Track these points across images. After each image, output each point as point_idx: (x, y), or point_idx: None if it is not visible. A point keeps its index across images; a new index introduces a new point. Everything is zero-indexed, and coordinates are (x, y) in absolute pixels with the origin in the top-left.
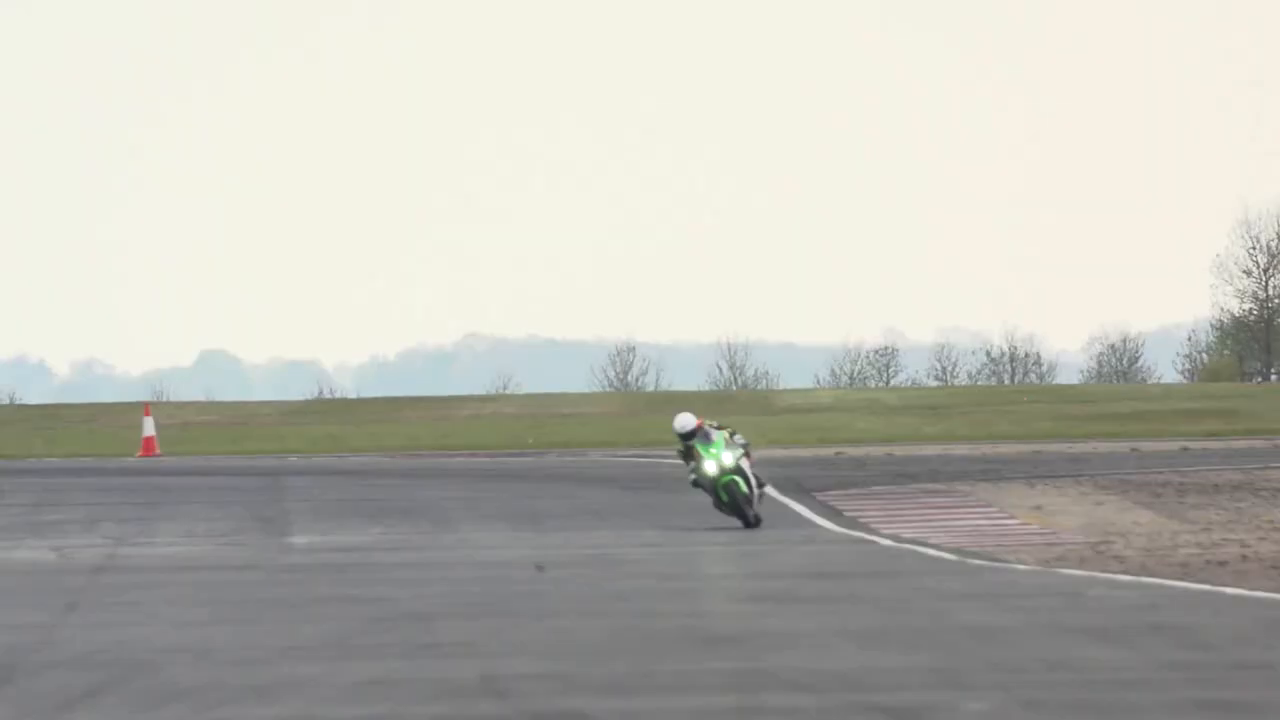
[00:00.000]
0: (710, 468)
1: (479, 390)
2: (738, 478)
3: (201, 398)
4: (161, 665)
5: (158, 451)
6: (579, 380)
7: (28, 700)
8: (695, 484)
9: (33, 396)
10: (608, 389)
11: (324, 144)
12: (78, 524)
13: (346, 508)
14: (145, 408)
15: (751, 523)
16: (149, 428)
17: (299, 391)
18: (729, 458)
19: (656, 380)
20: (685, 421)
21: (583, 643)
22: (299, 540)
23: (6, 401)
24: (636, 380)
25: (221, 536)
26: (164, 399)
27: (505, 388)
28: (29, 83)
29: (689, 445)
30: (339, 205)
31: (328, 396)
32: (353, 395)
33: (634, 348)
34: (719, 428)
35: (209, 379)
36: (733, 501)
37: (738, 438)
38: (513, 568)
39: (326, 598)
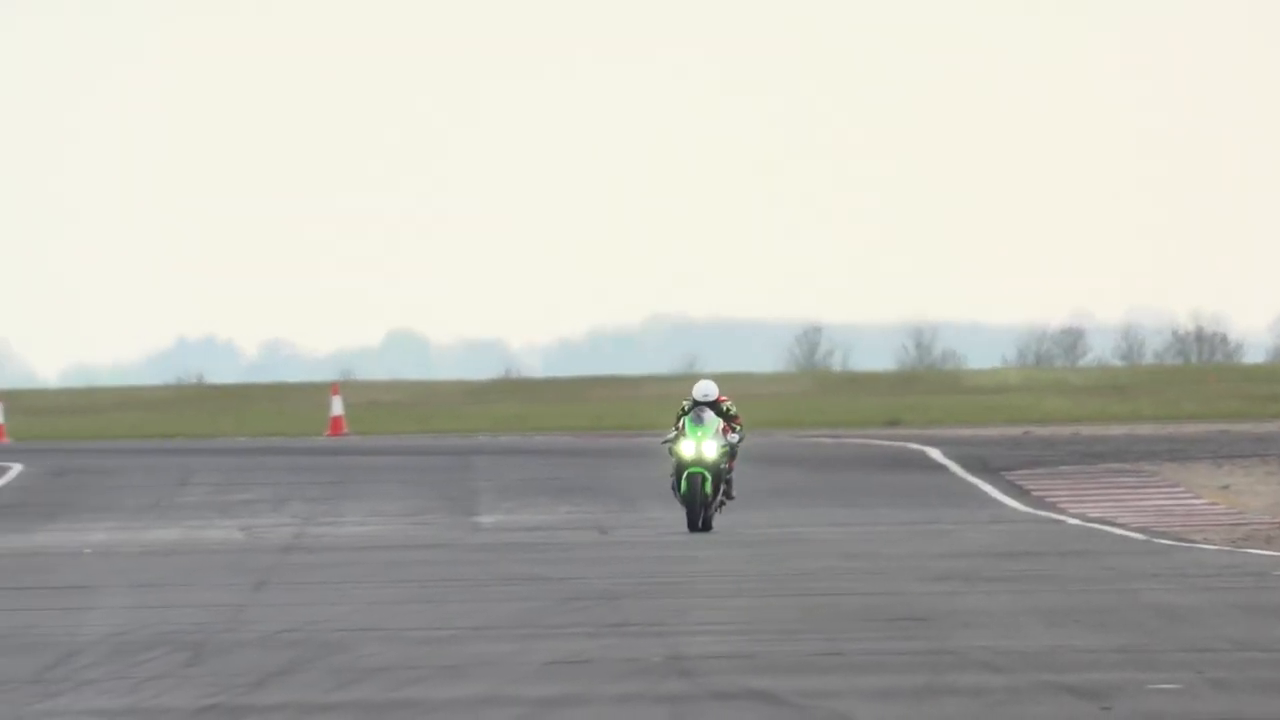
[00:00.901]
0: (686, 450)
1: (665, 370)
2: (708, 474)
3: (388, 377)
4: (351, 644)
5: (345, 431)
6: (765, 360)
7: (218, 679)
8: (669, 452)
9: (221, 377)
10: (794, 369)
11: (505, 122)
12: (266, 503)
13: (533, 487)
14: (333, 387)
15: (699, 527)
16: (337, 407)
17: (485, 371)
18: (710, 449)
19: (843, 360)
20: (709, 389)
21: (770, 622)
22: (486, 519)
23: (195, 382)
24: (823, 360)
25: (409, 516)
26: (351, 379)
27: (691, 368)
28: (217, 71)
29: (685, 414)
30: (524, 183)
31: (514, 376)
32: (539, 375)
33: (820, 328)
34: (729, 414)
35: (396, 359)
36: (690, 496)
37: (732, 437)
38: (701, 546)
39: (514, 577)
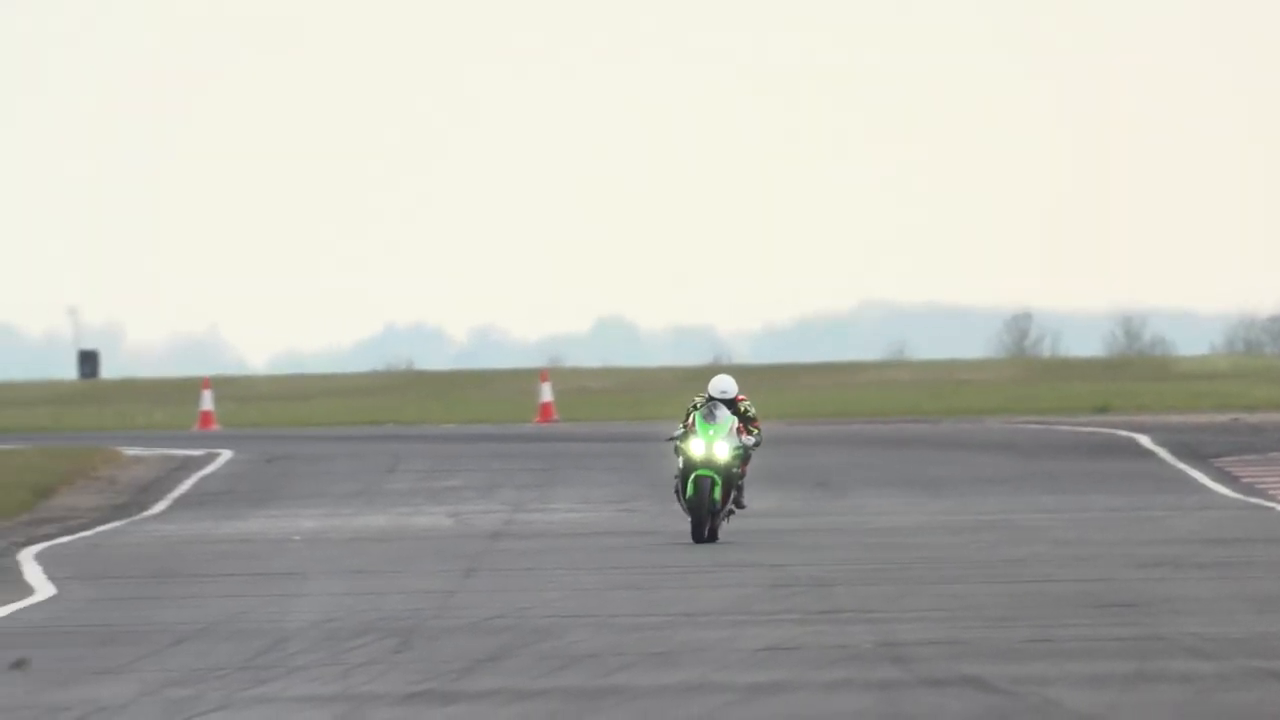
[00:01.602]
0: (696, 449)
1: (875, 356)
2: (717, 478)
3: (598, 364)
4: (559, 630)
5: (555, 417)
6: (974, 346)
7: (428, 665)
8: (675, 450)
9: (430, 363)
10: (1003, 355)
11: (729, 110)
12: (475, 490)
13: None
14: (542, 374)
15: (704, 536)
16: (546, 394)
17: (694, 357)
18: (723, 450)
19: (1052, 346)
20: (726, 386)
21: (980, 608)
22: None
23: (404, 368)
24: (1032, 346)
25: (618, 502)
26: (560, 365)
27: (900, 354)
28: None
29: (696, 410)
30: (733, 168)
31: (723, 362)
32: (748, 361)
33: (1030, 314)
34: (747, 415)
35: (605, 345)
36: (696, 500)
37: (748, 439)
38: (911, 534)
39: (724, 564)
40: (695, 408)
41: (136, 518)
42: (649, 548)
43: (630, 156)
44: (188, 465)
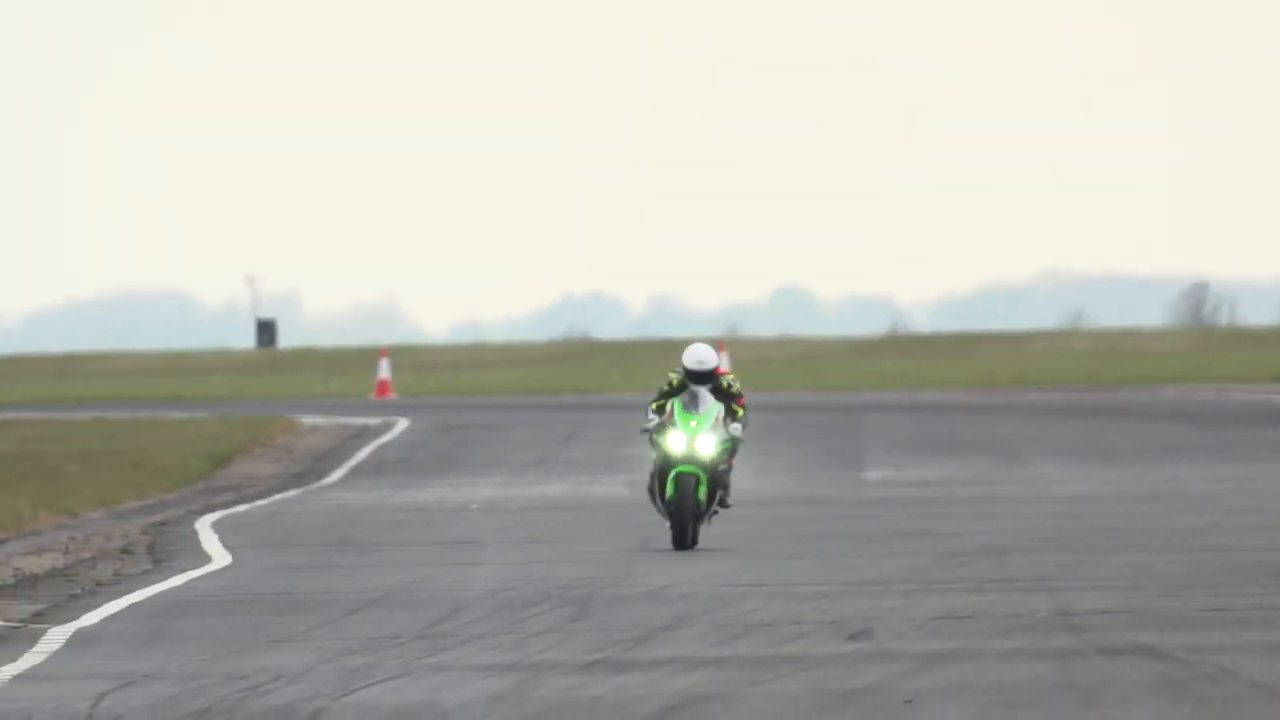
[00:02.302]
0: (676, 444)
1: (1052, 325)
2: (702, 475)
3: (776, 333)
4: (735, 599)
5: None
6: (1152, 315)
7: (604, 634)
8: (650, 442)
9: (608, 332)
10: (1180, 324)
11: (908, 77)
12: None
13: (921, 442)
14: (720, 343)
15: (687, 543)
16: (724, 363)
17: (872, 327)
18: (707, 445)
19: (1230, 315)
20: (704, 356)
21: (1156, 577)
22: (873, 475)
23: (582, 337)
24: (1209, 315)
25: (796, 471)
26: (738, 334)
27: (1077, 322)
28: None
29: (674, 393)
30: (910, 135)
31: (901, 332)
32: (926, 330)
33: (1207, 283)
34: (729, 390)
35: (783, 314)
36: (678, 503)
37: (735, 428)
38: (1087, 502)
39: (901, 532)
40: (670, 387)
41: (313, 486)
42: (824, 516)
43: (811, 126)
44: (364, 434)
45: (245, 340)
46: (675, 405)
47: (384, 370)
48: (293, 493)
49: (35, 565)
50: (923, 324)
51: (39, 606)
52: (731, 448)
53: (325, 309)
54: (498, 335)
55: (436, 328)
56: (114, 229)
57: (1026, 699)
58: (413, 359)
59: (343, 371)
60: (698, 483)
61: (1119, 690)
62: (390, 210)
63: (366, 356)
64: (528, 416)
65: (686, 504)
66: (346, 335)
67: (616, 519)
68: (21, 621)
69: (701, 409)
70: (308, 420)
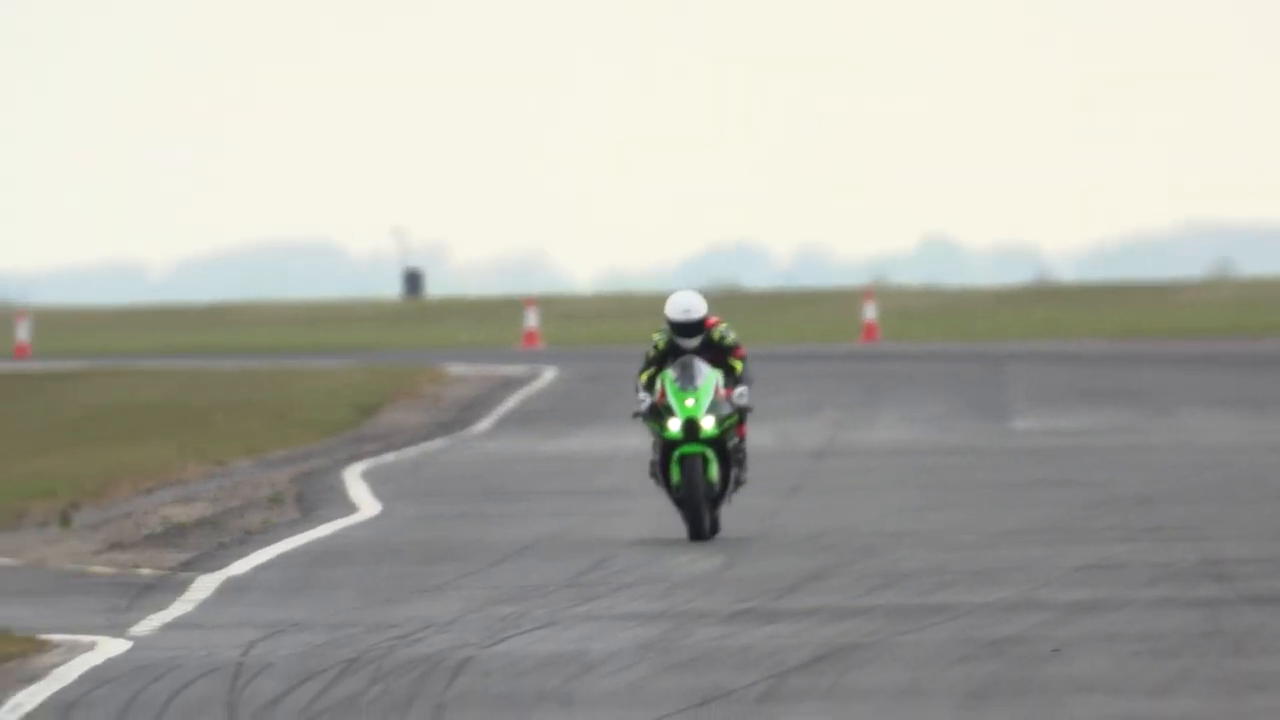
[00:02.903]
0: (675, 425)
1: (1199, 275)
2: (710, 453)
3: (921, 283)
4: (884, 549)
5: (879, 337)
6: None
7: (751, 584)
8: (644, 420)
9: (754, 282)
10: None
11: (1052, 24)
12: (799, 409)
13: (1066, 392)
14: (866, 293)
15: (705, 533)
16: (870, 313)
17: (1018, 277)
18: (710, 421)
19: None
20: (690, 305)
21: None
22: (1019, 424)
23: (729, 287)
24: None
25: (941, 421)
26: (884, 284)
27: (1224, 273)
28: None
29: (662, 360)
30: (1055, 84)
31: (1046, 282)
32: (1071, 280)
33: None
34: (724, 344)
35: (929, 264)
36: (688, 487)
37: (739, 393)
38: (1235, 452)
39: (1046, 481)
40: (657, 351)
41: (461, 435)
42: (970, 466)
43: (956, 74)
44: (511, 383)
45: (392, 290)
46: (666, 381)
47: (531, 319)
48: (440, 442)
49: (184, 514)
50: (1067, 274)
51: (188, 555)
52: (737, 417)
53: (472, 259)
54: (644, 285)
55: (582, 277)
56: (263, 179)
57: (1173, 648)
58: (559, 309)
59: (489, 321)
60: (706, 462)
61: (1265, 639)
62: (537, 160)
63: (513, 306)
64: None
65: (697, 488)
66: (493, 285)
67: (762, 469)
68: (171, 570)
69: (697, 381)
70: (455, 369)
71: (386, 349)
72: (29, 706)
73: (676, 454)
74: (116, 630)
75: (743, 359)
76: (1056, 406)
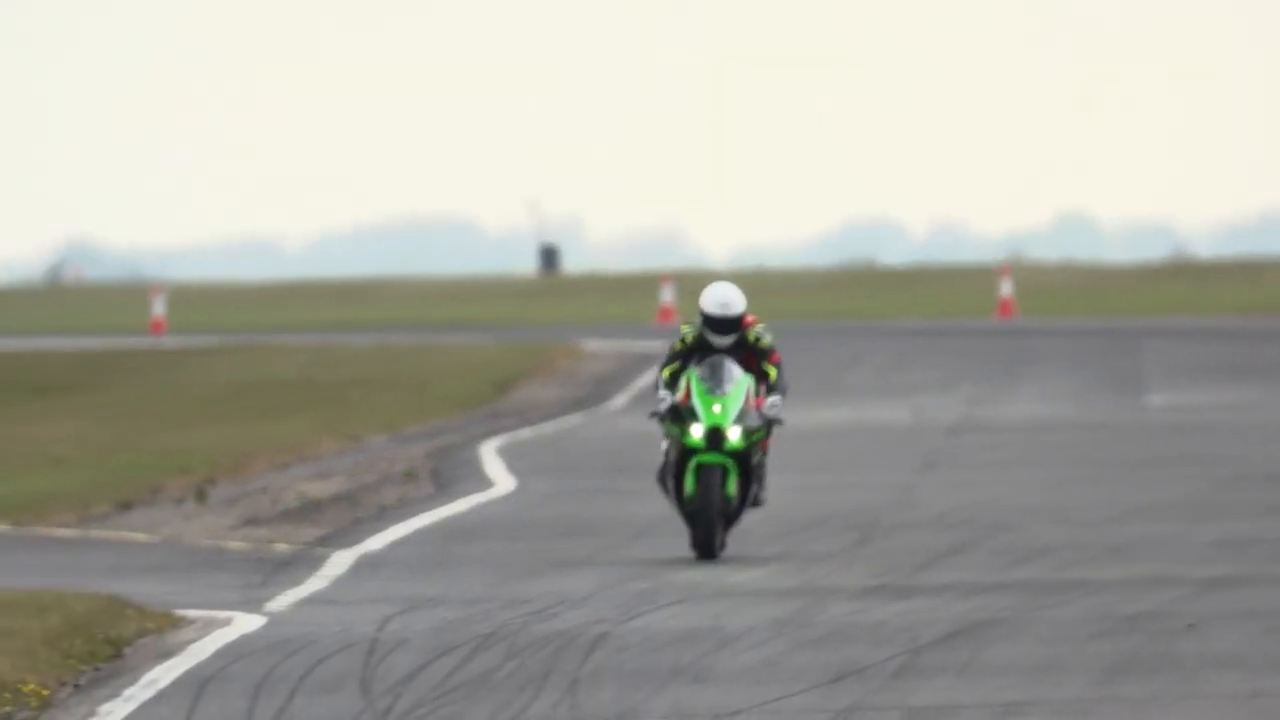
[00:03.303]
0: (697, 431)
1: None
2: (731, 466)
3: (1059, 259)
4: (1019, 524)
5: (1015, 313)
6: None
7: (886, 559)
8: (660, 421)
9: (891, 258)
10: None
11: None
12: (934, 385)
13: (1204, 368)
14: (1002, 269)
15: (713, 551)
16: (1006, 289)
17: (1154, 252)
18: (736, 432)
19: None
20: (728, 298)
21: None
22: (1154, 400)
23: (865, 263)
24: None
25: (1077, 397)
26: (1021, 260)
27: None
28: None
29: (687, 356)
30: (1186, 56)
31: (1183, 258)
32: (1208, 257)
33: None
34: (759, 346)
35: (1066, 240)
36: (703, 500)
37: (771, 402)
38: None
39: (1181, 457)
40: (684, 346)
41: (596, 411)
42: (1105, 442)
43: (1094, 49)
44: (647, 359)
45: (528, 266)
46: (692, 381)
47: (667, 295)
48: (576, 417)
49: (319, 490)
50: (1203, 249)
51: (324, 531)
52: (764, 430)
53: (607, 234)
54: (780, 261)
55: (717, 253)
56: (400, 155)
57: None
58: (695, 284)
59: (625, 297)
60: (725, 475)
61: None
62: (672, 136)
63: (649, 282)
64: (810, 342)
65: (714, 502)
66: (628, 261)
67: (898, 444)
68: (306, 545)
69: (727, 385)
70: (590, 345)
71: (522, 325)
72: (164, 682)
73: (694, 462)
74: (252, 606)
75: (778, 365)
76: (1192, 382)
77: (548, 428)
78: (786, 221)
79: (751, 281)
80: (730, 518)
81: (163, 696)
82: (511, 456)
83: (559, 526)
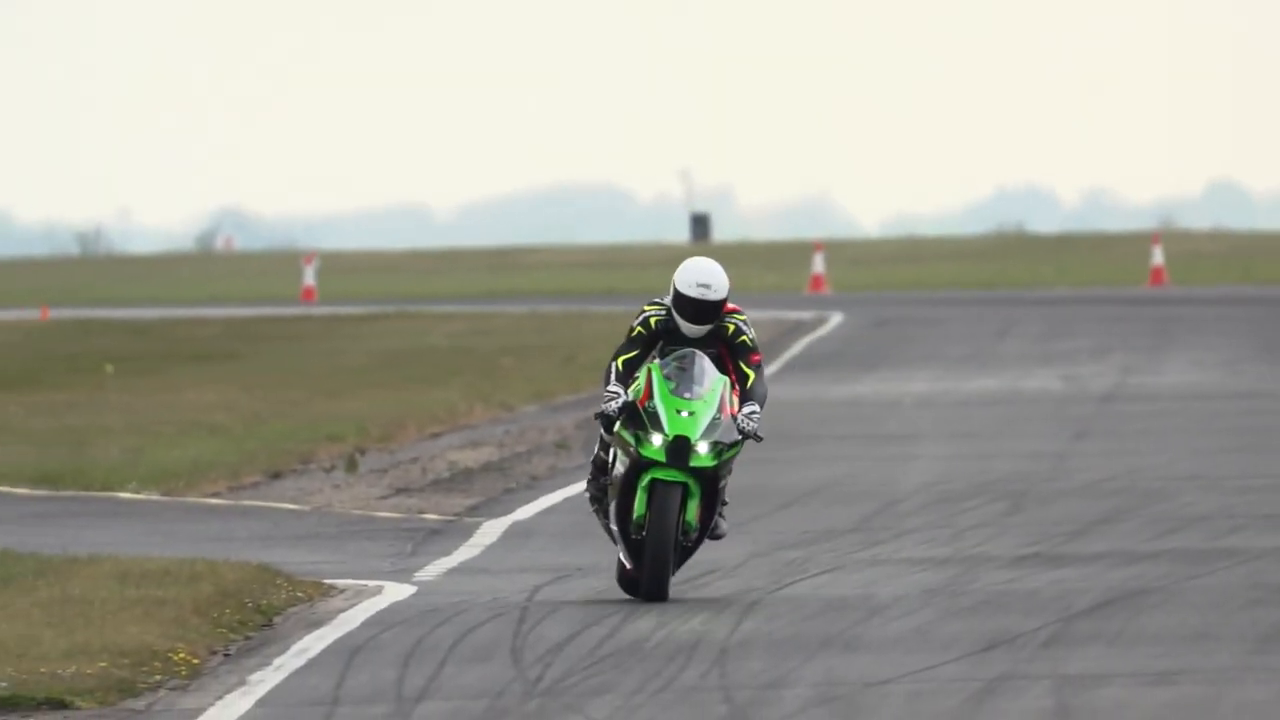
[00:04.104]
0: (657, 441)
1: None
2: (694, 486)
3: (1209, 226)
4: (1171, 493)
5: (1166, 281)
6: None
7: (1038, 528)
8: (603, 427)
9: (1041, 226)
10: None
11: None
12: (1087, 353)
13: None
14: (1154, 236)
15: (664, 592)
16: (1157, 257)
17: None
18: (706, 446)
19: None
20: (711, 277)
21: None
22: None
23: (1015, 230)
24: None
25: (1230, 366)
26: (1172, 228)
27: None
28: None
29: (649, 344)
30: None
31: None
32: None
33: None
34: (738, 342)
35: (1217, 208)
36: (656, 529)
37: (746, 415)
38: None
39: None
40: (649, 330)
41: None
42: (1259, 410)
43: (1243, 16)
44: (799, 328)
45: (679, 234)
46: (655, 378)
47: (818, 264)
48: None
49: (470, 459)
50: None
51: (474, 500)
52: (739, 436)
53: (758, 203)
54: (931, 229)
55: (868, 222)
56: (550, 124)
57: None
58: (846, 253)
59: (776, 265)
60: (686, 495)
61: None
62: (822, 105)
63: (799, 250)
64: (961, 310)
65: (668, 530)
66: (778, 229)
67: (1050, 413)
68: (456, 515)
69: (699, 388)
70: None
71: None
72: (315, 650)
73: (647, 478)
74: (402, 575)
75: (758, 368)
76: None
77: None
78: (937, 189)
79: (902, 250)
80: (685, 552)
81: (313, 665)
82: None
83: None
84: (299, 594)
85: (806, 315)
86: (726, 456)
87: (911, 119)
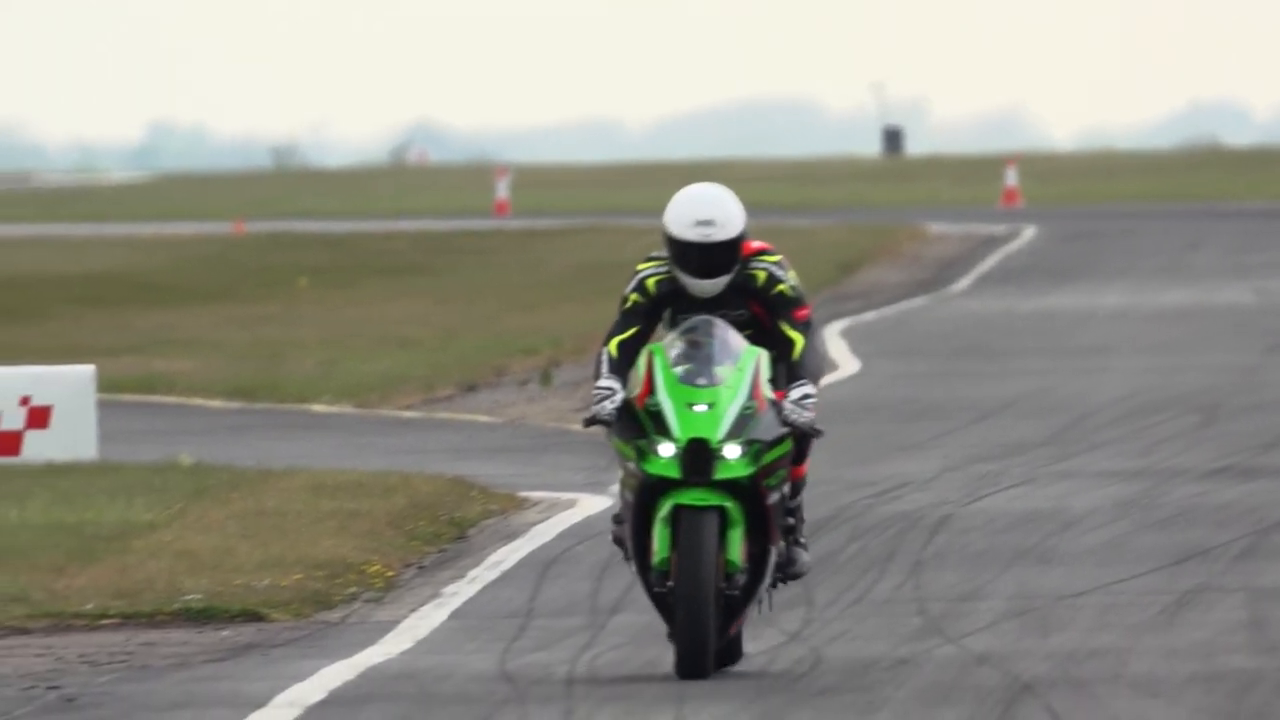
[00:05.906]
0: (666, 450)
1: None
2: (734, 509)
3: None
4: None
5: None
6: None
7: (1230, 441)
8: (606, 433)
9: (1235, 139)
10: None
11: None
12: (1279, 267)
13: None
14: None
15: (707, 667)
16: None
17: None
18: (735, 449)
19: None
20: (712, 210)
21: None
22: None
23: (1208, 144)
24: None
25: None
26: None
27: None
28: None
29: (650, 315)
30: None
31: None
32: None
33: None
34: (771, 290)
35: None
36: (684, 574)
37: (795, 399)
38: None
39: None
40: (646, 298)
41: (940, 294)
42: None
43: None
44: (991, 242)
45: (871, 148)
46: (656, 363)
47: (1011, 178)
48: (920, 300)
49: None
50: None
51: None
52: (797, 447)
53: (952, 116)
54: (1125, 142)
55: (1062, 135)
56: (742, 37)
57: None
58: (1039, 167)
59: (969, 179)
60: (725, 523)
61: None
62: (1017, 17)
63: (992, 165)
64: (1154, 224)
65: (703, 578)
66: (971, 143)
67: (1242, 326)
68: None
69: (718, 369)
70: (935, 228)
71: (866, 207)
72: (509, 563)
73: (666, 505)
74: (596, 488)
75: (805, 322)
76: None
77: (891, 310)
78: (1131, 103)
79: (1094, 163)
80: (736, 603)
81: (507, 578)
82: (855, 339)
83: (903, 409)
84: (493, 507)
85: (999, 229)
86: (769, 459)
87: (1106, 32)
